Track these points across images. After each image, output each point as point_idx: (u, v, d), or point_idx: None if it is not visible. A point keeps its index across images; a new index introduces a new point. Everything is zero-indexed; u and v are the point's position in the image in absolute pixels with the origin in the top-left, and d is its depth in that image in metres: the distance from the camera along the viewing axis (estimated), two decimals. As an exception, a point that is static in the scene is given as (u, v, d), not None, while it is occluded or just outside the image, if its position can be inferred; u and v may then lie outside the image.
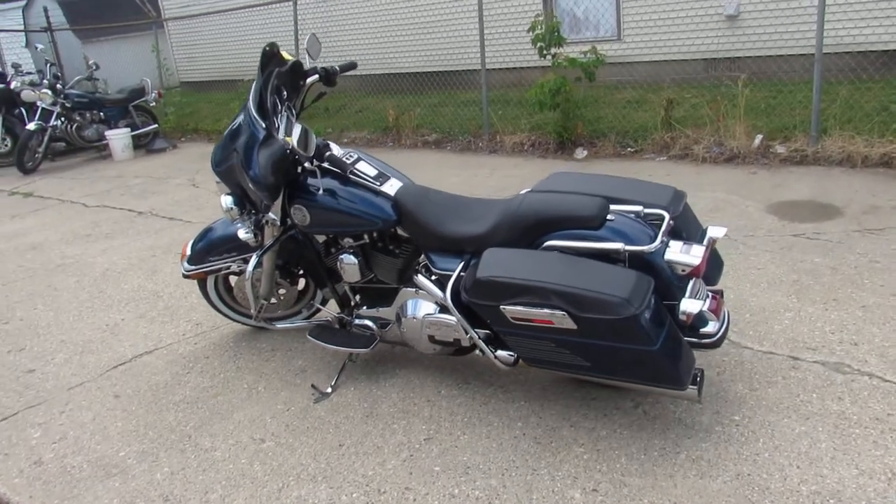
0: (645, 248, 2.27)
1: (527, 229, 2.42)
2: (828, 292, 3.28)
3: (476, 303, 2.34)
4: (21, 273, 4.86)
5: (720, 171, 5.47)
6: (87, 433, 2.80)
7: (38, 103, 8.49)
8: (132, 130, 9.12)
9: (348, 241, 2.83)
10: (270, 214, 2.81)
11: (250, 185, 2.64)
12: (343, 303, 3.06)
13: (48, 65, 9.03)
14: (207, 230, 3.24)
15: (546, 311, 2.18)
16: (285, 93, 2.92)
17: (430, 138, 7.69)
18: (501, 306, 2.25)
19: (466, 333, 2.52)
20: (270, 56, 2.80)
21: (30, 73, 9.30)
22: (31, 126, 8.42)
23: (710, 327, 2.35)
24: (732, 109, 5.79)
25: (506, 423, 2.58)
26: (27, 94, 8.54)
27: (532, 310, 2.20)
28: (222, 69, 12.21)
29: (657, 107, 6.35)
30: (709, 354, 2.85)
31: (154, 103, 9.61)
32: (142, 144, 9.34)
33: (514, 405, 2.67)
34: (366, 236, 2.80)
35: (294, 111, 2.96)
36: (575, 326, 2.17)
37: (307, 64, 3.05)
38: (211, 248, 3.16)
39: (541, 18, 6.28)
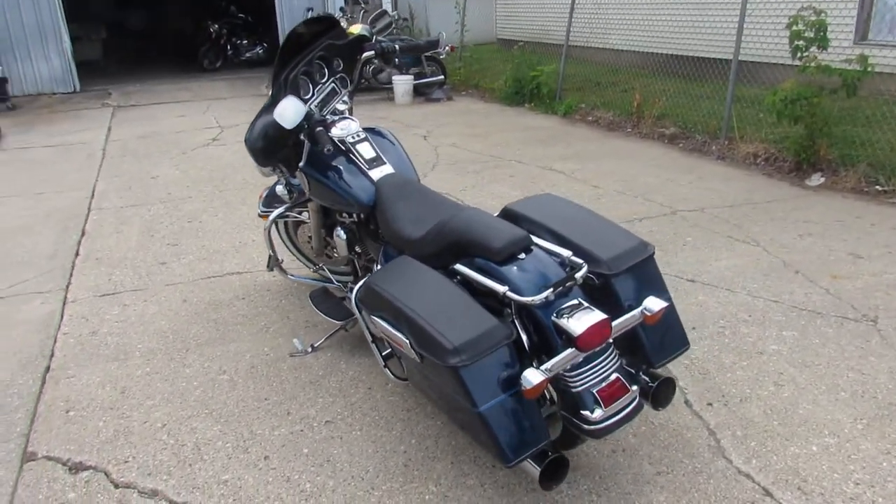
0: (526, 298, 1.98)
1: (447, 245, 2.26)
2: (919, 432, 2.41)
3: (358, 305, 2.29)
4: (240, 185, 5.85)
5: (970, 239, 4.14)
6: (139, 322, 3.43)
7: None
8: (417, 79, 9.98)
9: (345, 216, 2.93)
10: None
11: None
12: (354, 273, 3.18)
13: (361, 12, 10.28)
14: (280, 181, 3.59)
15: (399, 334, 2.06)
16: (340, 65, 3.07)
17: (668, 131, 7.05)
18: (371, 315, 2.18)
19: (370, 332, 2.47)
20: (315, 30, 2.94)
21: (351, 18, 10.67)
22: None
23: (594, 413, 1.97)
24: None
25: (402, 436, 2.50)
26: (343, 37, 9.92)
27: (389, 328, 2.09)
28: (526, 29, 12.56)
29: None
30: (670, 449, 2.37)
31: (444, 55, 10.33)
32: (425, 93, 10.18)
33: (429, 422, 2.57)
34: (354, 215, 2.87)
35: (350, 82, 3.10)
36: (418, 359, 2.01)
37: (373, 37, 3.15)
38: (277, 196, 3.51)
39: (805, 13, 5.26)
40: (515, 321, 2.07)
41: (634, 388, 2.04)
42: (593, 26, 10.09)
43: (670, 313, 2.16)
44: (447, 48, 10.33)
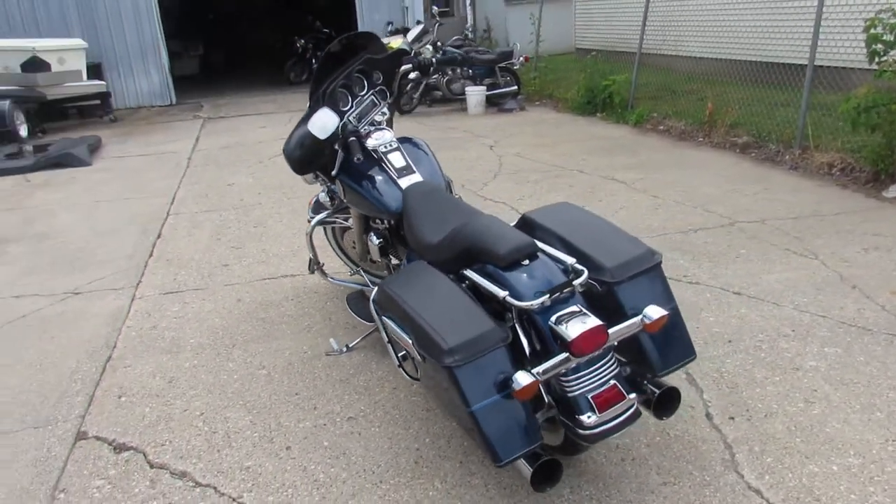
0: (523, 303, 2.03)
1: (460, 251, 2.34)
2: (956, 456, 2.28)
3: (374, 307, 2.39)
4: (307, 192, 6.08)
5: None
6: (195, 318, 3.67)
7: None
8: (490, 89, 10.08)
9: (378, 222, 3.05)
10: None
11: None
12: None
13: (436, 24, 10.48)
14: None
15: (404, 334, 2.15)
16: (381, 78, 3.20)
17: (740, 141, 6.84)
18: (383, 316, 2.28)
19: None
20: (355, 44, 3.09)
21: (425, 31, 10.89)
22: (411, 75, 10.00)
23: (588, 418, 1.99)
24: None
25: (418, 434, 2.59)
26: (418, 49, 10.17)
27: (397, 329, 2.19)
28: (605, 38, 12.44)
29: None
30: (681, 460, 2.34)
31: (518, 66, 10.38)
32: (498, 103, 10.25)
33: (445, 423, 2.64)
34: (385, 221, 2.98)
35: (389, 94, 3.23)
36: (420, 359, 2.10)
37: (412, 51, 3.27)
38: (324, 204, 3.68)
39: (883, 16, 5.01)
40: (516, 325, 2.12)
41: (632, 395, 2.05)
42: (667, 33, 9.90)
43: (675, 322, 2.15)
44: (521, 59, 10.40)
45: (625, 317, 2.10)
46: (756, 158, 6.44)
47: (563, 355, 1.97)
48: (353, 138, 2.90)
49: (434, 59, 3.36)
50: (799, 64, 7.21)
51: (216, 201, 5.97)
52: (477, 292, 2.21)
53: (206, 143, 8.73)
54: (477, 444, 2.05)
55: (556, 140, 7.83)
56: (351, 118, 3.04)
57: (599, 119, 8.97)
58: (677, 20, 10.02)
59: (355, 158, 2.89)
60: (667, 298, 2.17)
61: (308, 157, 3.00)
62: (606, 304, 2.14)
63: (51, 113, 10.25)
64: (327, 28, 14.17)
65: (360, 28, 13.03)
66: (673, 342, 2.16)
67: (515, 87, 10.38)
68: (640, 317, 2.05)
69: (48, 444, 2.65)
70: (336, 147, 2.96)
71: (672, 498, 2.18)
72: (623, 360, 2.22)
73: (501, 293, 2.08)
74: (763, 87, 7.70)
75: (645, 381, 2.17)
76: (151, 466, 2.49)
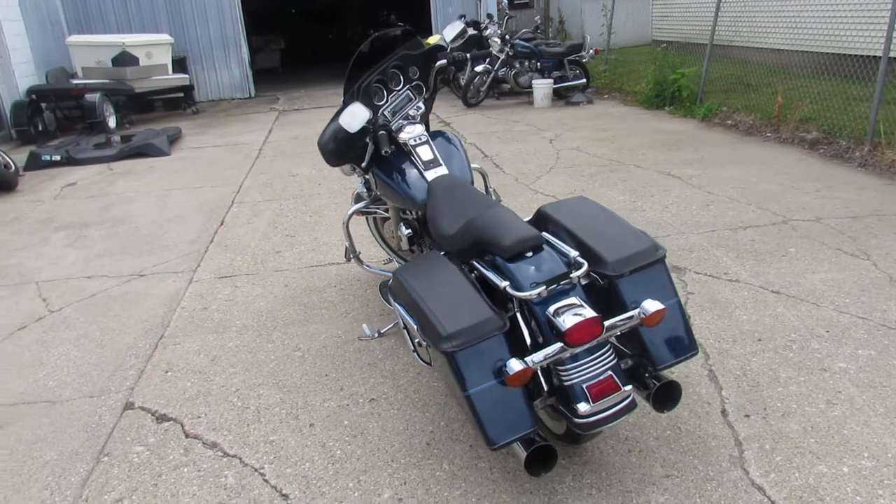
0: (520, 293, 2.10)
1: (472, 242, 2.42)
2: (979, 466, 2.19)
3: (390, 294, 2.50)
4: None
5: None
6: (243, 302, 3.89)
7: (490, 49, 10.06)
8: (558, 82, 10.02)
9: (408, 213, 3.16)
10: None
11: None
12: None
13: (506, 18, 10.49)
14: (369, 180, 3.89)
15: (411, 320, 2.25)
16: (417, 73, 3.31)
17: (809, 136, 6.57)
18: (394, 303, 2.39)
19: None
20: (393, 40, 3.21)
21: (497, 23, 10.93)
22: (478, 68, 10.07)
23: (581, 407, 2.04)
24: None
25: (434, 418, 2.69)
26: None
27: (405, 315, 2.29)
28: (682, 29, 12.11)
29: None
30: (688, 454, 2.35)
31: (587, 59, 10.28)
32: (565, 96, 10.18)
33: (461, 408, 2.73)
34: (413, 212, 3.09)
35: (426, 89, 3.34)
36: (425, 344, 2.20)
37: (447, 49, 3.36)
38: (362, 195, 3.82)
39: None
40: (518, 315, 2.19)
41: (627, 387, 2.08)
42: (740, 24, 9.55)
43: (676, 317, 2.17)
44: (591, 51, 10.29)
45: (625, 310, 2.13)
46: (824, 155, 6.19)
47: (558, 345, 2.02)
48: (383, 132, 3.02)
49: (468, 56, 3.39)
50: (878, 56, 6.86)
51: (278, 191, 6.24)
52: (486, 282, 2.29)
53: (277, 135, 9.09)
54: (473, 427, 2.13)
55: (617, 134, 7.74)
56: (385, 112, 3.16)
57: (667, 113, 8.79)
58: (751, 10, 9.66)
59: (384, 151, 3.01)
60: (669, 293, 2.18)
61: (340, 149, 3.13)
62: (607, 297, 2.18)
63: (138, 105, 10.90)
64: (402, 21, 14.39)
65: (435, 21, 13.21)
66: (674, 337, 2.18)
67: (584, 80, 10.28)
68: (637, 310, 2.08)
69: (99, 412, 2.91)
70: (368, 140, 3.08)
71: (672, 490, 2.20)
72: (627, 352, 2.26)
73: (502, 283, 2.15)
74: (840, 81, 7.37)
75: (647, 375, 2.20)
76: (187, 436, 2.69)
